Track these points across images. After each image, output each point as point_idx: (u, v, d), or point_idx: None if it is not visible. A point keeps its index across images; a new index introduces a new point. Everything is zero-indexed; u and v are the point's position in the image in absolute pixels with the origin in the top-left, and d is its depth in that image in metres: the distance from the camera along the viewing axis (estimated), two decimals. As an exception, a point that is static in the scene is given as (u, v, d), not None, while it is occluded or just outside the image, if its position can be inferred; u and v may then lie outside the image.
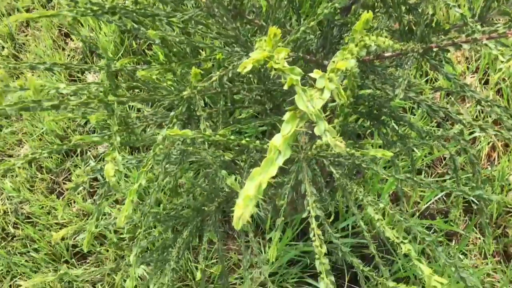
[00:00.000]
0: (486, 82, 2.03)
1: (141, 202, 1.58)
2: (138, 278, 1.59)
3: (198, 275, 0.90)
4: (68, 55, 2.20)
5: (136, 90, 1.02)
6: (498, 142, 1.90)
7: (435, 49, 0.77)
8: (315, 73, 0.49)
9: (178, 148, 0.94)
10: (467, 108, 2.01)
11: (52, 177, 1.96)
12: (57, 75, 2.11)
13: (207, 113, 1.10)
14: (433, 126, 1.87)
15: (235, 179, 0.90)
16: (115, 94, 0.87)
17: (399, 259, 1.57)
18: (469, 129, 1.86)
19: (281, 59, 0.49)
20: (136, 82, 0.94)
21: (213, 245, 1.55)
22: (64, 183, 1.95)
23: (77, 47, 2.19)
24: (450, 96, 2.01)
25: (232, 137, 0.73)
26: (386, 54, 0.81)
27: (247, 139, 0.74)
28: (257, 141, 0.75)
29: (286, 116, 0.44)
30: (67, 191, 1.65)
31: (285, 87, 0.46)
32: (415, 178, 0.89)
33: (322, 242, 0.74)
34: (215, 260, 1.62)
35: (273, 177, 0.47)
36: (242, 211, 0.40)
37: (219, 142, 0.72)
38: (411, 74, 1.49)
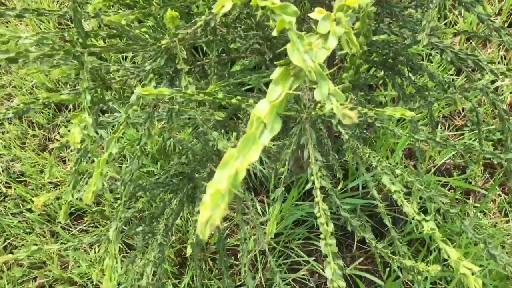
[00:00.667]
0: (510, 25, 1.86)
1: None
2: (125, 248, 1.51)
3: (188, 250, 0.80)
4: (57, 1, 2.04)
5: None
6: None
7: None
8: (317, 13, 0.36)
9: (163, 106, 0.81)
10: (489, 54, 1.85)
11: (44, 133, 1.85)
12: (46, 23, 1.97)
13: (199, 65, 0.96)
14: (451, 74, 1.72)
15: (232, 138, 0.78)
16: (85, 44, 0.74)
17: (413, 219, 1.47)
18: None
19: (269, -6, 0.35)
20: (113, 29, 0.81)
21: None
22: (56, 139, 1.84)
23: (66, -8, 2.03)
24: (471, 41, 1.84)
25: (220, 95, 0.60)
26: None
27: (238, 97, 0.61)
28: (251, 100, 0.63)
29: (275, 74, 0.32)
30: (53, 151, 1.54)
31: (274, 33, 0.33)
32: (437, 139, 0.76)
33: (328, 219, 0.62)
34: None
35: (273, 139, 0.35)
36: (210, 213, 0.28)
37: (204, 101, 0.60)
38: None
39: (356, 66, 0.52)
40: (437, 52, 0.83)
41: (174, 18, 0.59)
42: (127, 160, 1.67)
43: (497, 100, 0.84)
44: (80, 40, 0.73)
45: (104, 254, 0.95)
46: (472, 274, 0.54)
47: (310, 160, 0.67)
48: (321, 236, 0.61)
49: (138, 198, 0.88)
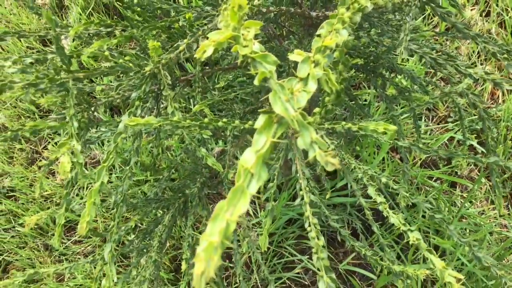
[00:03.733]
0: (488, 14, 1.89)
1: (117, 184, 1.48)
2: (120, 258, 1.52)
3: (183, 265, 0.81)
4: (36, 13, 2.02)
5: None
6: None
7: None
8: (297, 55, 0.37)
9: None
10: (468, 43, 1.87)
11: (31, 146, 1.85)
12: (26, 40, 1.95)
13: (184, 79, 0.97)
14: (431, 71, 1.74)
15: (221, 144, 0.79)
16: (69, 70, 0.74)
17: (402, 212, 1.49)
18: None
19: (249, 40, 0.37)
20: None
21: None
22: (44, 152, 1.84)
23: (44, 3, 2.02)
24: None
25: (206, 120, 0.61)
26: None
27: (224, 120, 0.62)
28: (237, 121, 0.64)
29: (259, 123, 0.33)
30: (41, 169, 1.53)
31: (256, 82, 0.34)
32: (420, 146, 0.78)
33: (318, 233, 0.64)
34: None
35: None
36: (205, 266, 0.29)
37: (190, 127, 0.61)
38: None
39: (337, 91, 0.54)
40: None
41: (156, 48, 0.60)
42: (116, 170, 1.67)
43: (477, 101, 0.86)
44: (64, 66, 0.74)
45: (100, 272, 0.96)
46: (458, 281, 0.56)
47: (298, 175, 0.68)
48: (313, 250, 0.63)
49: (131, 217, 0.89)
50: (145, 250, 0.87)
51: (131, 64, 0.63)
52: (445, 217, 0.71)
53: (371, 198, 0.70)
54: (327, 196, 0.83)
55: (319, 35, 0.39)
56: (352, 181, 0.79)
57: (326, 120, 0.65)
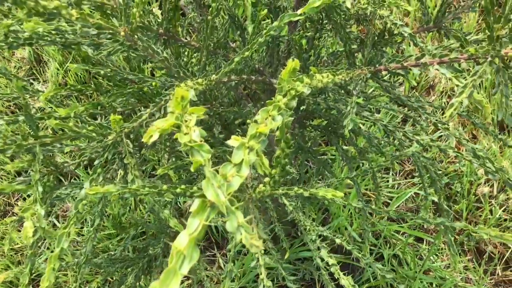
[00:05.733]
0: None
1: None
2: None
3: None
4: (15, 66, 2.07)
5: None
6: (466, 134, 1.85)
7: (384, 72, 0.70)
8: (233, 140, 0.41)
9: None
10: (433, 100, 1.96)
11: (4, 198, 1.85)
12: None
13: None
14: (398, 122, 1.81)
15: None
16: (37, 135, 0.78)
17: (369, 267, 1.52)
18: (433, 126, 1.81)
19: (191, 128, 0.41)
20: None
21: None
22: (16, 204, 1.84)
23: (23, 57, 2.06)
24: (415, 90, 1.95)
25: (164, 187, 0.64)
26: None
27: (182, 187, 0.66)
28: (195, 187, 0.67)
29: (193, 206, 0.37)
30: (10, 224, 1.54)
31: (192, 169, 0.38)
32: (373, 207, 0.82)
33: (271, 296, 0.67)
34: None
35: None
36: None
37: (149, 194, 0.64)
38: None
39: (282, 165, 0.58)
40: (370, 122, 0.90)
41: (117, 121, 0.63)
42: (87, 223, 1.68)
43: (427, 164, 0.91)
44: (32, 132, 0.77)
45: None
46: None
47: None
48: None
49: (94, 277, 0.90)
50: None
51: (94, 134, 0.67)
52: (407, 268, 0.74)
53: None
54: (286, 256, 0.86)
55: (255, 121, 0.43)
56: (309, 241, 0.82)
57: (282, 184, 0.68)
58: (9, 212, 1.84)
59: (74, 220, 0.65)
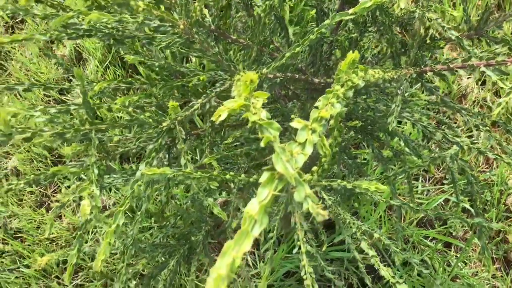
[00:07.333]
0: (484, 83, 1.99)
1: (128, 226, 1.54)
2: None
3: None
4: (55, 63, 2.14)
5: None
6: (497, 145, 1.85)
7: (429, 73, 0.72)
8: (296, 123, 0.45)
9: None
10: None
11: (41, 189, 1.91)
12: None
13: (194, 133, 1.05)
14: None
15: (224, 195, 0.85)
16: (93, 122, 0.82)
17: (398, 270, 1.54)
18: (467, 130, 1.82)
19: (258, 109, 0.44)
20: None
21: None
22: (53, 195, 1.90)
23: (63, 54, 2.14)
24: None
25: (215, 173, 0.68)
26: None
27: (232, 173, 0.69)
28: (243, 175, 0.71)
29: (263, 178, 0.40)
30: (52, 210, 1.60)
31: (262, 144, 0.41)
32: (411, 205, 0.85)
33: (314, 282, 0.69)
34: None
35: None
36: (214, 295, 0.35)
37: (200, 178, 0.68)
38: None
39: (333, 153, 0.61)
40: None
41: (175, 107, 0.67)
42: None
43: (465, 167, 0.93)
44: (89, 119, 0.82)
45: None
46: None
47: (296, 226, 0.75)
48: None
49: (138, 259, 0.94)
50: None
51: (150, 120, 0.71)
52: (434, 274, 0.76)
53: (367, 253, 0.75)
54: (324, 248, 0.89)
55: (316, 107, 0.47)
56: (347, 236, 0.85)
57: (325, 178, 0.72)
58: (45, 203, 1.90)
59: (130, 199, 0.70)
